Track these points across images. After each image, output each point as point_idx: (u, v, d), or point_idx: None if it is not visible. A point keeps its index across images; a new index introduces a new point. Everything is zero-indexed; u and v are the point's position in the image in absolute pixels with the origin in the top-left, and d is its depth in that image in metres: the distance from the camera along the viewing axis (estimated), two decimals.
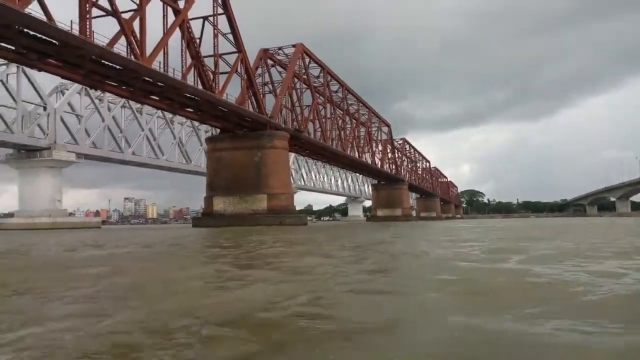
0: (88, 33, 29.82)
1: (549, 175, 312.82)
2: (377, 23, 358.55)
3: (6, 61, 44.35)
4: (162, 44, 35.70)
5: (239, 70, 46.11)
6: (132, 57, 32.60)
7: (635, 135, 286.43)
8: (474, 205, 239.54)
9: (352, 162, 75.24)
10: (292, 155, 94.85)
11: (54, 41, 28.56)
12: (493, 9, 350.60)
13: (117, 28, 32.00)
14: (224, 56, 45.64)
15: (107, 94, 55.53)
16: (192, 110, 42.71)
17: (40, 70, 32.59)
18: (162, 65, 36.56)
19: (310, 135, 60.11)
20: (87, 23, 31.12)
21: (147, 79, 35.04)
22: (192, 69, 41.11)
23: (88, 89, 54.93)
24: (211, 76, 41.98)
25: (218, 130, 49.43)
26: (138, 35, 33.61)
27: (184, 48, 38.64)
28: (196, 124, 68.49)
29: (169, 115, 64.73)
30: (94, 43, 29.51)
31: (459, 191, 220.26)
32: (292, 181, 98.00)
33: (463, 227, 33.91)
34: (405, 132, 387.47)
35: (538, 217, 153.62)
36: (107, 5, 32.20)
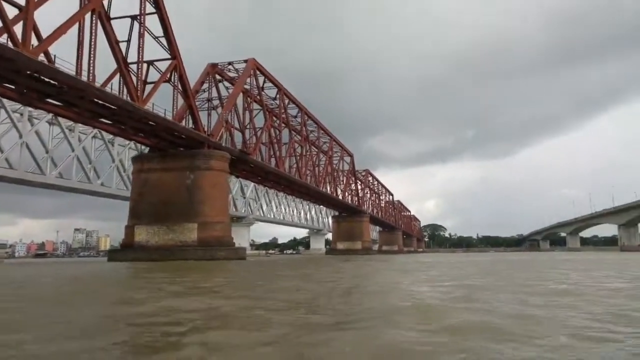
0: None
1: (509, 211, 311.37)
2: (355, 66, 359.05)
3: None
4: (58, 34, 26.86)
5: (173, 80, 37.62)
6: (11, 44, 23.79)
7: (587, 175, 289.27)
8: (436, 239, 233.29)
9: (309, 190, 66.68)
10: (251, 185, 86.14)
11: None
12: (467, 55, 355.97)
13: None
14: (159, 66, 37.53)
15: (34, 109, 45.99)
16: (110, 122, 33.66)
17: None
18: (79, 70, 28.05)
19: (264, 160, 51.69)
20: None
21: (36, 75, 26.17)
22: (118, 75, 33.00)
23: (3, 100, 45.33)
24: (136, 83, 33.35)
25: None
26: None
27: (92, 45, 29.78)
28: (142, 146, 58.94)
29: (109, 135, 55.23)
30: None
31: (421, 225, 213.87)
32: (250, 211, 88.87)
33: (426, 262, 25.51)
34: (376, 167, 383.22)
35: (497, 252, 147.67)
36: None
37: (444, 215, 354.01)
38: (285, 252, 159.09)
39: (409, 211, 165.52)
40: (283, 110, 57.77)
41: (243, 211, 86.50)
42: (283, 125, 58.17)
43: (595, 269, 18.62)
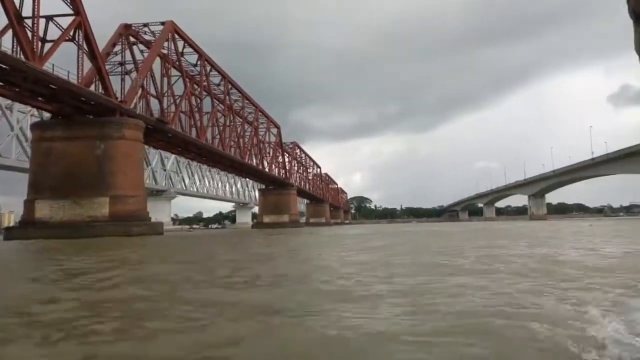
0: None
1: (431, 184, 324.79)
2: (283, 38, 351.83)
3: None
4: None
5: (78, 39, 34.12)
6: None
7: (501, 149, 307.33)
8: (362, 211, 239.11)
9: (233, 162, 64.78)
10: (172, 156, 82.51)
11: None
12: (394, 30, 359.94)
13: None
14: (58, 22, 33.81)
15: None
16: (1, 83, 29.97)
17: None
18: None
19: (184, 130, 49.00)
20: None
21: None
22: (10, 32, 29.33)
23: None
24: (32, 41, 29.81)
25: None
26: None
27: None
28: (46, 114, 53.66)
29: (6, 100, 49.72)
30: None
31: (348, 197, 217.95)
32: (171, 184, 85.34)
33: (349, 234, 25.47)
34: (304, 140, 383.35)
35: (419, 222, 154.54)
36: None
37: (369, 187, 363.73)
38: (210, 226, 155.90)
39: (336, 184, 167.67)
40: (205, 78, 55.01)
41: (164, 184, 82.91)
42: (205, 93, 55.51)
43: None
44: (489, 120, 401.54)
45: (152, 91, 45.14)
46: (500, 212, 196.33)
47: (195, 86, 53.99)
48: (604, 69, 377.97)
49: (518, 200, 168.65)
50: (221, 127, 60.03)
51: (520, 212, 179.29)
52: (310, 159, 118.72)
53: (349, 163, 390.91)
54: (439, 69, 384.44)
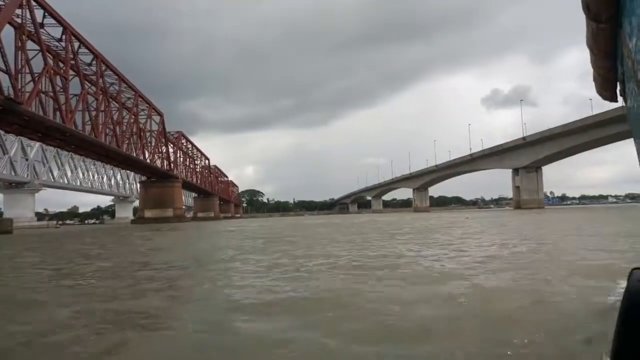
0: None
1: (322, 177, 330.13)
2: (175, 24, 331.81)
3: None
4: None
5: None
6: None
7: (390, 144, 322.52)
8: (254, 204, 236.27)
9: (108, 152, 58.96)
10: (36, 144, 73.56)
11: None
12: (290, 26, 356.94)
13: None
14: None
15: None
16: None
17: None
18: None
19: (46, 113, 42.98)
20: None
21: None
22: None
23: None
24: None
25: None
26: None
27: None
28: None
29: None
30: None
31: (240, 191, 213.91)
32: (35, 175, 76.12)
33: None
34: (195, 132, 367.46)
35: (311, 215, 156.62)
36: None
37: (262, 180, 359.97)
38: (87, 222, 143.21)
39: (227, 177, 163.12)
40: (72, 55, 48.91)
41: (26, 175, 73.53)
42: (72, 72, 49.39)
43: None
44: (380, 117, 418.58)
45: (3, 66, 38.82)
46: (387, 204, 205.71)
47: (61, 64, 47.83)
48: (480, 73, 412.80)
49: (404, 193, 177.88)
50: (93, 112, 54.11)
51: (406, 204, 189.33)
52: (198, 150, 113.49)
53: (241, 156, 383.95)
54: (333, 66, 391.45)
